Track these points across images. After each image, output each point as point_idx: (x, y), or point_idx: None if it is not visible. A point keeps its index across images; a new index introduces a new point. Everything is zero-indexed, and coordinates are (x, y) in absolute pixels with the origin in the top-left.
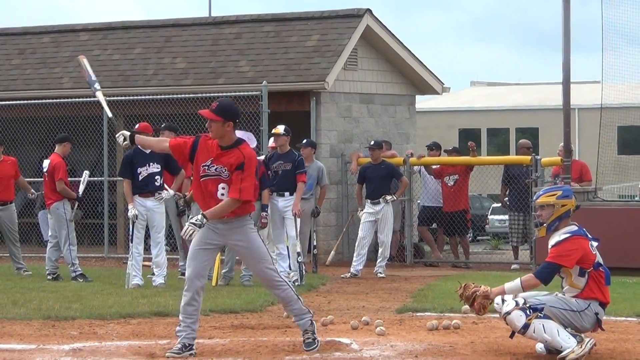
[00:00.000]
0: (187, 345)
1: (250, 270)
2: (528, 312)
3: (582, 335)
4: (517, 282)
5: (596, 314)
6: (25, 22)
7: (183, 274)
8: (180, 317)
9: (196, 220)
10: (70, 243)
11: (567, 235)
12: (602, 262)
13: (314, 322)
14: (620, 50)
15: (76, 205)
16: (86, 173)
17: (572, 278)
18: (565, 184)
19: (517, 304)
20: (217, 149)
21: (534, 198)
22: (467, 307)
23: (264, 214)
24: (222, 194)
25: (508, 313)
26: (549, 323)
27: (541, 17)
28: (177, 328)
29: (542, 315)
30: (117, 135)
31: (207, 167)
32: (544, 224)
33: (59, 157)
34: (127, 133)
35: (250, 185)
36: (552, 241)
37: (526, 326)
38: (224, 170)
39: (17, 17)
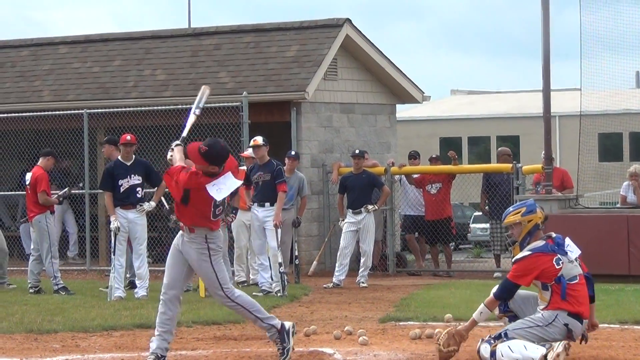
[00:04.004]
0: (160, 356)
1: None
2: (491, 341)
3: (552, 343)
4: (482, 308)
5: (565, 324)
6: (2, 36)
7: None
8: (156, 326)
9: None
10: (53, 256)
11: (528, 253)
12: (563, 277)
13: (285, 331)
14: (599, 58)
15: (67, 189)
16: (68, 189)
17: (540, 292)
18: (547, 192)
19: (482, 340)
20: None
21: (502, 218)
22: (449, 315)
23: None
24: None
25: (478, 351)
26: (514, 342)
27: (514, 25)
28: (152, 337)
29: (506, 339)
30: None
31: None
32: (517, 242)
33: (42, 169)
34: None
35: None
36: (515, 257)
37: (493, 353)
38: None
39: None
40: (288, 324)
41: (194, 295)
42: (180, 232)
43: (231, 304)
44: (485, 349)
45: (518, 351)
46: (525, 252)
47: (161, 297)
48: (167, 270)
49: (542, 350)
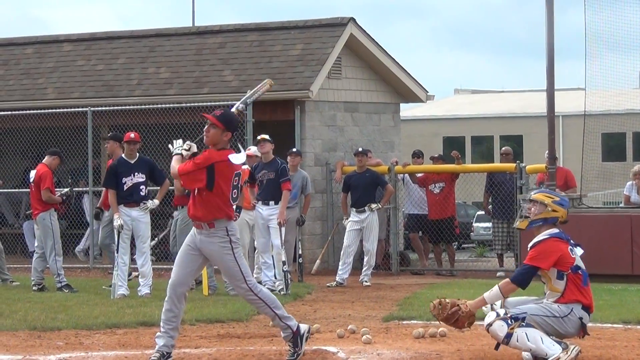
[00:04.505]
0: (165, 353)
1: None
2: (510, 321)
3: (567, 342)
4: (495, 289)
5: (580, 318)
6: (5, 34)
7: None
8: (161, 323)
9: None
10: (56, 253)
11: (546, 237)
12: (581, 267)
13: (299, 335)
14: (603, 57)
15: (69, 189)
16: (70, 188)
17: (551, 282)
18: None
19: (498, 314)
20: None
21: (533, 192)
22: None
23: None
24: None
25: (490, 325)
26: (532, 331)
27: (518, 24)
28: (157, 334)
29: (524, 324)
30: None
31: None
32: (528, 218)
33: (46, 167)
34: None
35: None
36: (532, 242)
37: (509, 335)
38: None
39: None
40: (304, 328)
41: (198, 293)
42: (194, 229)
43: (253, 298)
44: (502, 329)
45: (534, 341)
46: (542, 236)
47: (168, 294)
48: (176, 267)
49: (557, 349)
